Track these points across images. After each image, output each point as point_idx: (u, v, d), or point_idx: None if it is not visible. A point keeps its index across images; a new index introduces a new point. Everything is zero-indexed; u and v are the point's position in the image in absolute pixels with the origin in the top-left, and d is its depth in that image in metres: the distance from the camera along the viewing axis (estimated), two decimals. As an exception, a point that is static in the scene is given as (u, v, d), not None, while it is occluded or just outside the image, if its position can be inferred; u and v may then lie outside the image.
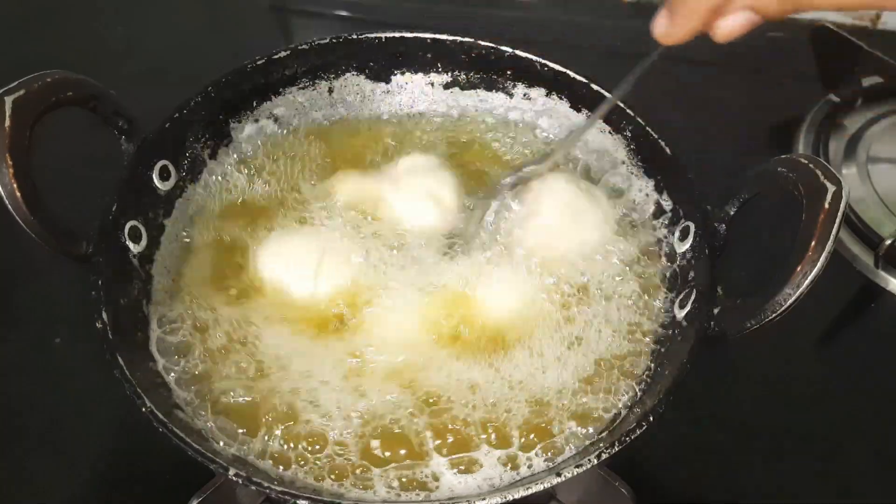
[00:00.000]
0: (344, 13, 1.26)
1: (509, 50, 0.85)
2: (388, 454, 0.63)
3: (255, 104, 0.85)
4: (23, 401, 0.80)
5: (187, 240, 0.77)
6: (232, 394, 0.66)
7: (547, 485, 0.56)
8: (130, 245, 0.71)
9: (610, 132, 0.83)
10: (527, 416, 0.66)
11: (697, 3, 0.52)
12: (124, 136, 0.71)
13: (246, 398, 0.66)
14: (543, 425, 0.66)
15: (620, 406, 0.67)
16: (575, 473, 0.56)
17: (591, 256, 0.76)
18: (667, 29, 0.55)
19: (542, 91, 0.87)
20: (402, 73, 0.89)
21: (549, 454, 0.64)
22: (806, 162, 0.59)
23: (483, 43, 0.86)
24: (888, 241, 0.87)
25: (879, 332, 0.89)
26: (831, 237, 0.55)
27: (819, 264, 0.55)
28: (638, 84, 0.65)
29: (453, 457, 0.64)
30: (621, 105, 0.80)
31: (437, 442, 0.64)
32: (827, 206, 0.56)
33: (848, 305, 0.91)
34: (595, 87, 0.82)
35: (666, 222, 0.77)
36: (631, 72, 0.65)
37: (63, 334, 0.84)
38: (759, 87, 1.11)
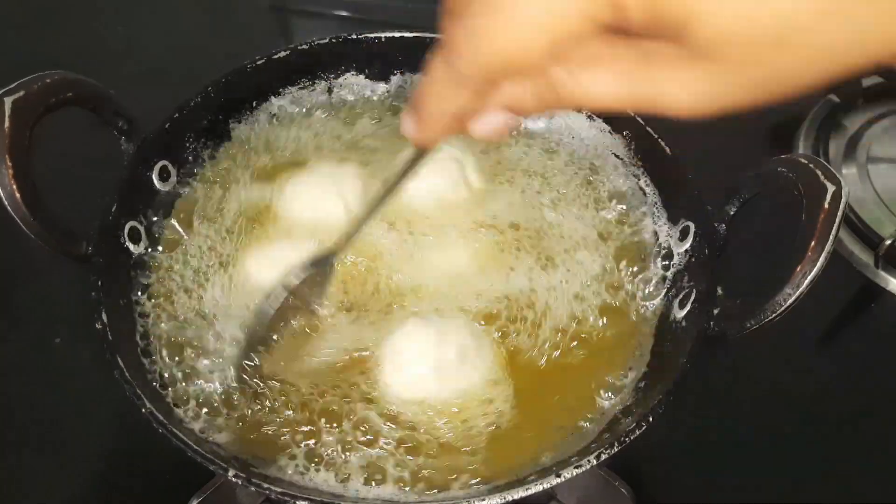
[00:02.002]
0: (344, 13, 1.26)
1: (509, 50, 0.85)
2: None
3: (254, 104, 0.85)
4: (23, 401, 0.80)
5: (187, 239, 0.77)
6: (231, 391, 0.66)
7: (547, 485, 0.56)
8: (130, 245, 0.71)
9: (609, 132, 0.83)
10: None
11: (438, 108, 0.43)
12: (124, 136, 0.71)
13: (246, 395, 0.66)
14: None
15: (620, 406, 0.67)
16: (575, 473, 0.56)
17: (589, 256, 0.76)
18: (414, 132, 0.46)
19: (542, 91, 0.86)
20: (402, 73, 0.89)
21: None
22: (806, 162, 0.59)
23: (483, 43, 0.85)
24: (888, 241, 0.87)
25: (879, 332, 0.89)
26: (831, 237, 0.55)
27: (819, 264, 0.55)
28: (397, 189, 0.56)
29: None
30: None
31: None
32: (827, 206, 0.56)
33: (848, 305, 0.91)
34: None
35: (665, 222, 0.77)
36: (391, 178, 0.55)
37: (63, 334, 0.84)
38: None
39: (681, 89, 0.38)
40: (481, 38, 0.38)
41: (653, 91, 0.39)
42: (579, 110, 0.84)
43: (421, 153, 0.51)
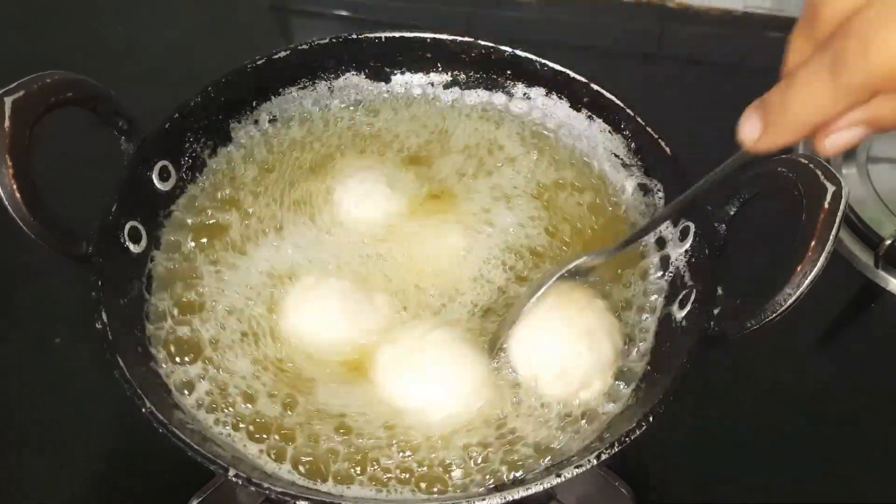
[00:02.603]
0: (344, 13, 1.26)
1: (509, 50, 0.85)
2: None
3: (254, 104, 0.85)
4: (23, 401, 0.80)
5: (187, 239, 0.77)
6: (231, 391, 0.66)
7: (547, 485, 0.56)
8: (130, 245, 0.71)
9: (610, 131, 0.83)
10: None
11: (802, 118, 0.43)
12: (124, 136, 0.71)
13: (245, 395, 0.66)
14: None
15: (620, 406, 0.67)
16: (575, 473, 0.56)
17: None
18: (757, 137, 0.47)
19: (542, 91, 0.86)
20: (402, 73, 0.89)
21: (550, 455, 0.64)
22: (806, 162, 0.59)
23: (483, 43, 0.86)
24: (888, 241, 0.87)
25: (879, 332, 0.89)
26: (831, 237, 0.55)
27: (819, 264, 0.55)
28: (713, 185, 0.59)
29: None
30: (620, 104, 0.80)
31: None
32: (827, 206, 0.55)
33: (848, 305, 0.92)
34: (595, 86, 0.82)
35: (665, 222, 0.77)
36: (707, 176, 0.59)
37: (63, 334, 0.84)
38: (760, 86, 1.11)
39: None
40: (880, 50, 0.38)
41: None
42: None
43: (750, 159, 0.51)
